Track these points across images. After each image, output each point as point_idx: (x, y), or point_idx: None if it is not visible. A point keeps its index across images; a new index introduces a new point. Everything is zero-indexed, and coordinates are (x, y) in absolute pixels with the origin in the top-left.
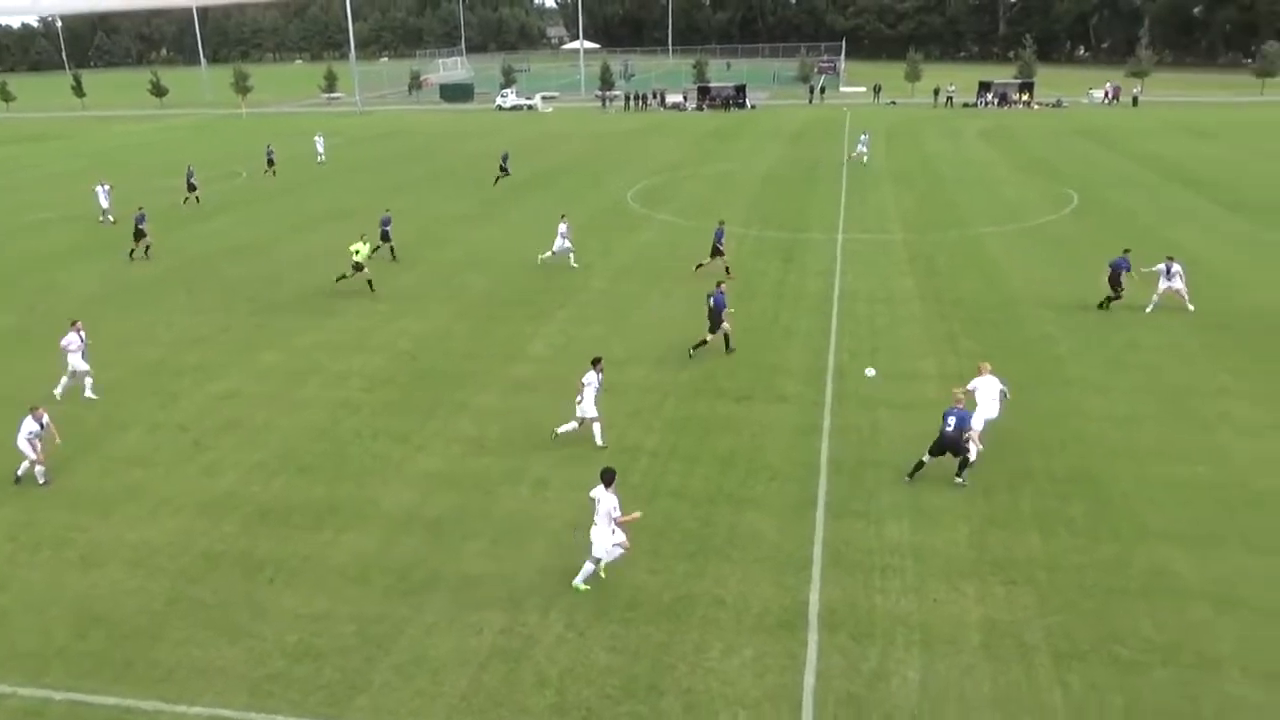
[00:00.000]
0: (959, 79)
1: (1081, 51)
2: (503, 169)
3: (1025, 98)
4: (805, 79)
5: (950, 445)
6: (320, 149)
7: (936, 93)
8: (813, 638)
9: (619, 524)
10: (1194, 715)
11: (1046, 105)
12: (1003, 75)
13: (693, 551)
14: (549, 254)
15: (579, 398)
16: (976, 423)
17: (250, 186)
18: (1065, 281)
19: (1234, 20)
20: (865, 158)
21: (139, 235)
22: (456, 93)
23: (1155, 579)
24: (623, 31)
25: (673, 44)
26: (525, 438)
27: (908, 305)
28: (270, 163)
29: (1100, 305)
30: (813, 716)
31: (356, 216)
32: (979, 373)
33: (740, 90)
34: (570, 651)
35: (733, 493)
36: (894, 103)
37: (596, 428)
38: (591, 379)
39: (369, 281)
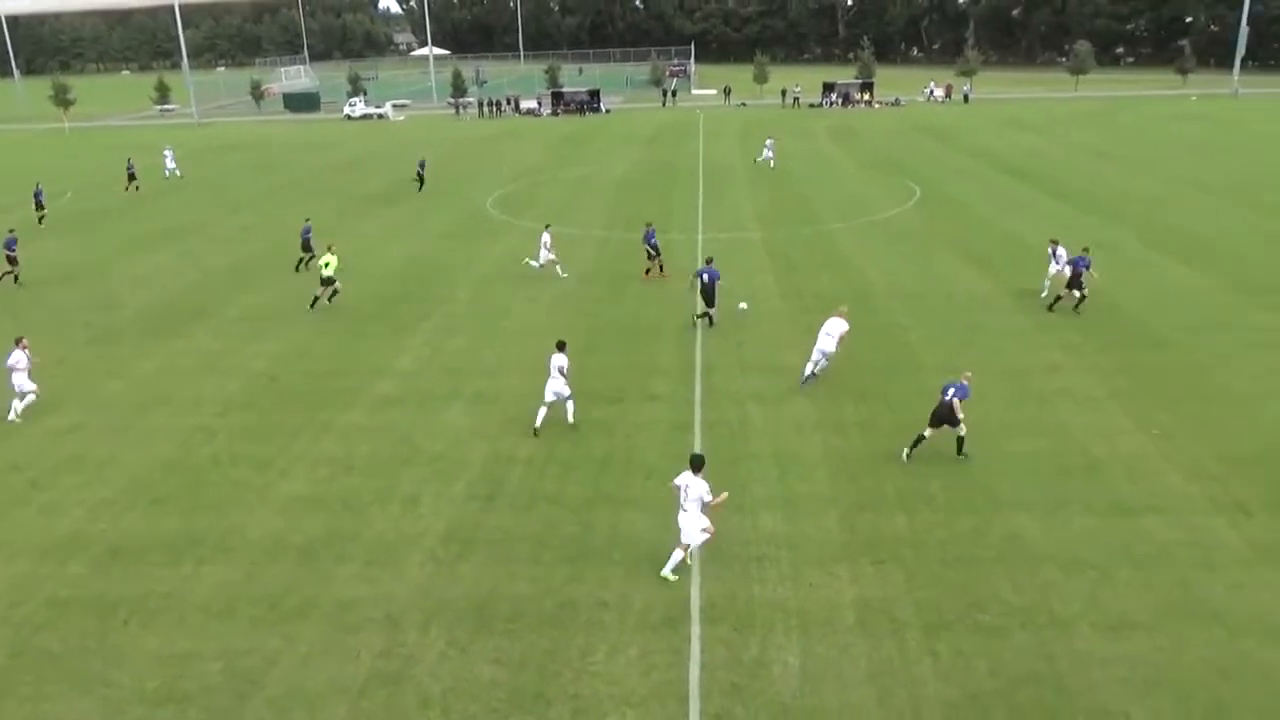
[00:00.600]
0: (804, 80)
1: (915, 52)
2: (419, 176)
3: (866, 97)
4: (658, 83)
5: (945, 417)
6: (170, 163)
7: (784, 94)
8: (695, 632)
9: (712, 508)
10: (1051, 672)
11: (886, 104)
12: (845, 76)
13: (574, 556)
14: (536, 264)
15: (549, 381)
16: (815, 354)
17: (79, 206)
18: (912, 272)
19: (1048, 22)
20: (772, 162)
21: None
22: (302, 102)
23: (1010, 546)
24: (473, 37)
25: (524, 49)
26: (394, 455)
27: (769, 301)
28: (131, 177)
29: (1050, 307)
30: (699, 709)
31: (198, 233)
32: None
33: (594, 95)
34: (453, 668)
35: (611, 494)
36: (744, 104)
37: (570, 405)
38: (560, 360)
39: (333, 293)
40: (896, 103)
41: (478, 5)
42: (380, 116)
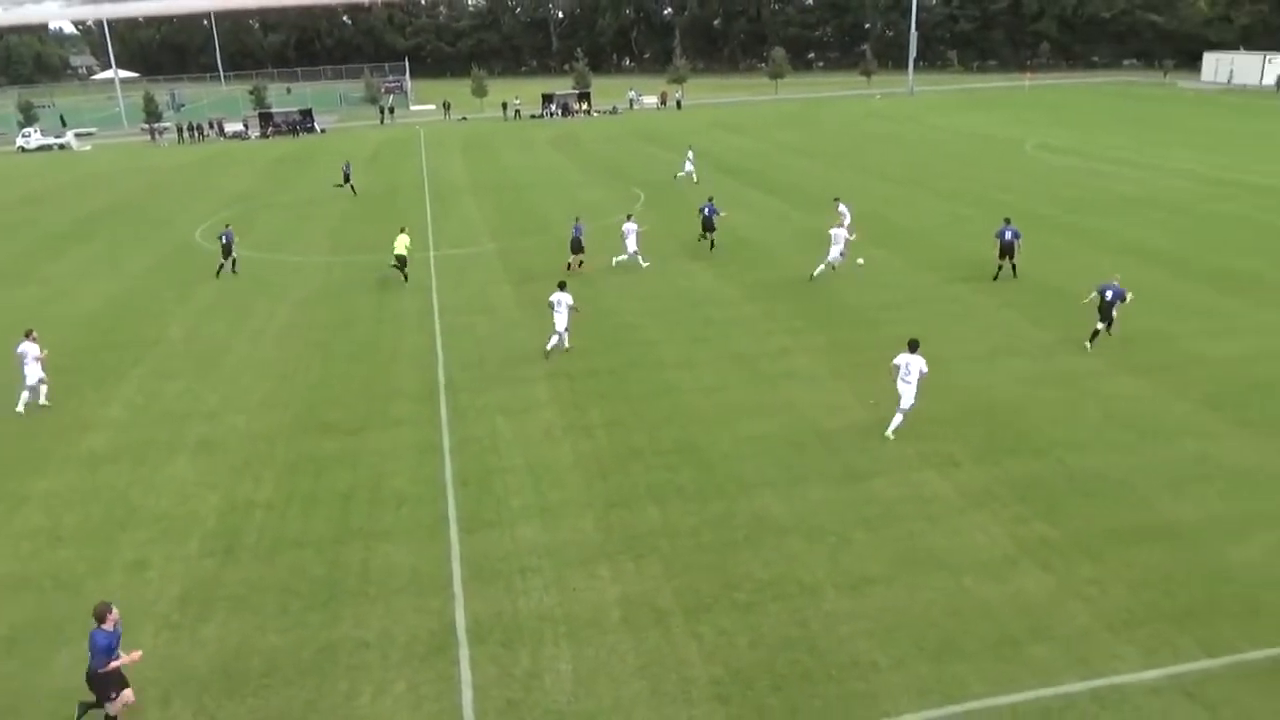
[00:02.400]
0: (523, 92)
1: (627, 62)
2: (346, 180)
3: (585, 107)
4: (374, 100)
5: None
6: None
7: (505, 106)
8: (464, 655)
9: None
10: (805, 636)
11: (604, 112)
12: (562, 87)
13: (326, 599)
14: (623, 257)
15: (556, 318)
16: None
17: None
18: (642, 271)
19: (747, 31)
20: (694, 176)
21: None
22: None
23: (757, 525)
24: (165, 58)
25: (224, 69)
26: (110, 518)
27: (508, 313)
28: None
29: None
30: None
31: None
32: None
33: (307, 114)
34: None
35: (360, 528)
36: (465, 118)
37: (565, 338)
38: (564, 298)
39: (404, 275)
40: (614, 111)
41: (167, 24)
42: (62, 147)
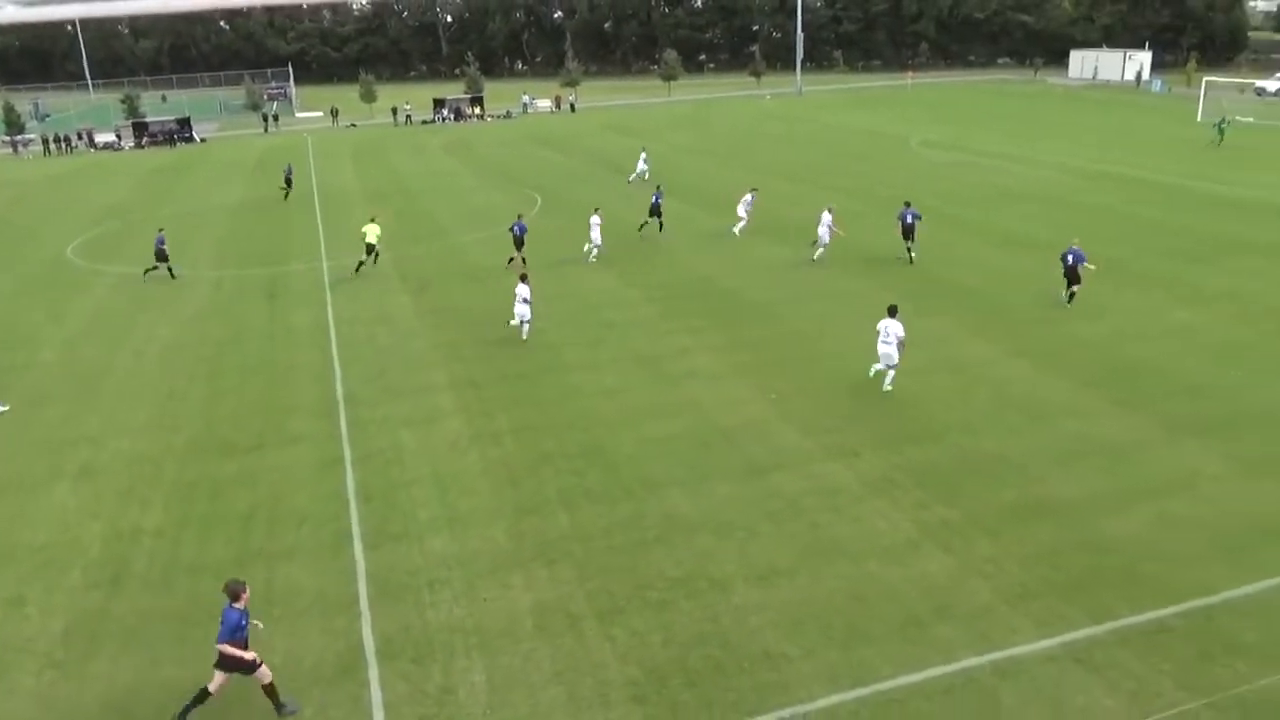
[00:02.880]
0: (414, 97)
1: (520, 66)
2: (287, 182)
3: (478, 111)
4: (256, 107)
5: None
6: None
7: (395, 112)
8: (374, 674)
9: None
10: (717, 631)
11: (498, 117)
12: (454, 91)
13: None
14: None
15: (516, 306)
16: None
17: None
18: (543, 276)
19: (638, 34)
20: (646, 175)
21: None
22: None
23: (667, 524)
24: (25, 66)
25: (92, 77)
26: None
27: (406, 321)
28: None
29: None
30: None
31: None
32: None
33: (185, 123)
34: None
35: (261, 549)
36: (354, 125)
37: (526, 328)
38: (524, 291)
39: (376, 258)
40: (507, 115)
41: (25, 29)
42: None
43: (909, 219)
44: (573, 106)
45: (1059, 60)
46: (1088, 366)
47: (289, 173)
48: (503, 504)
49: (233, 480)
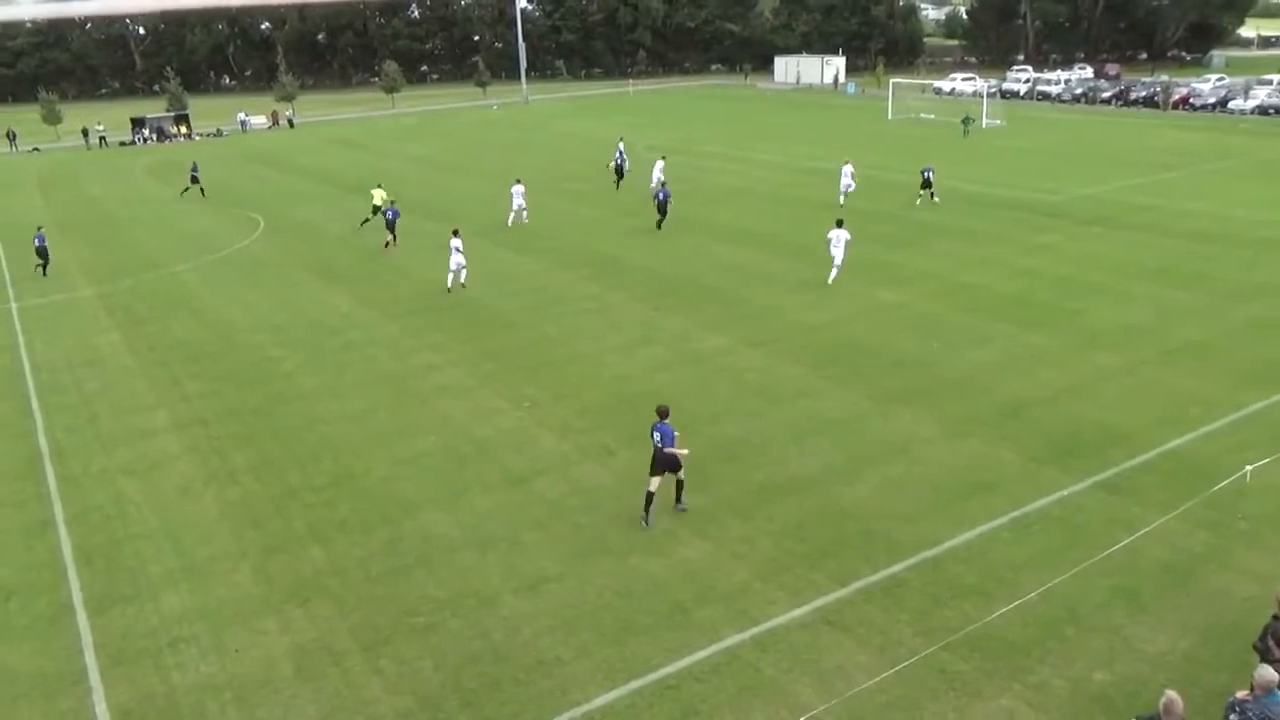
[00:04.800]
0: (107, 117)
1: (228, 81)
2: (194, 179)
3: (184, 130)
4: None
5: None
6: None
7: (86, 133)
8: None
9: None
10: (489, 647)
11: (207, 135)
12: (155, 110)
13: None
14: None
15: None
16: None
17: None
18: (273, 302)
19: (355, 45)
20: (525, 215)
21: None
22: None
23: (427, 545)
24: None
25: None
26: None
27: (118, 360)
28: None
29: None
30: None
31: None
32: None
33: None
34: None
35: None
36: (37, 149)
37: (464, 273)
38: (456, 242)
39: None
40: (218, 133)
41: None
42: None
43: (660, 196)
44: (291, 122)
45: (766, 66)
46: (812, 350)
47: (194, 169)
48: (246, 547)
49: None
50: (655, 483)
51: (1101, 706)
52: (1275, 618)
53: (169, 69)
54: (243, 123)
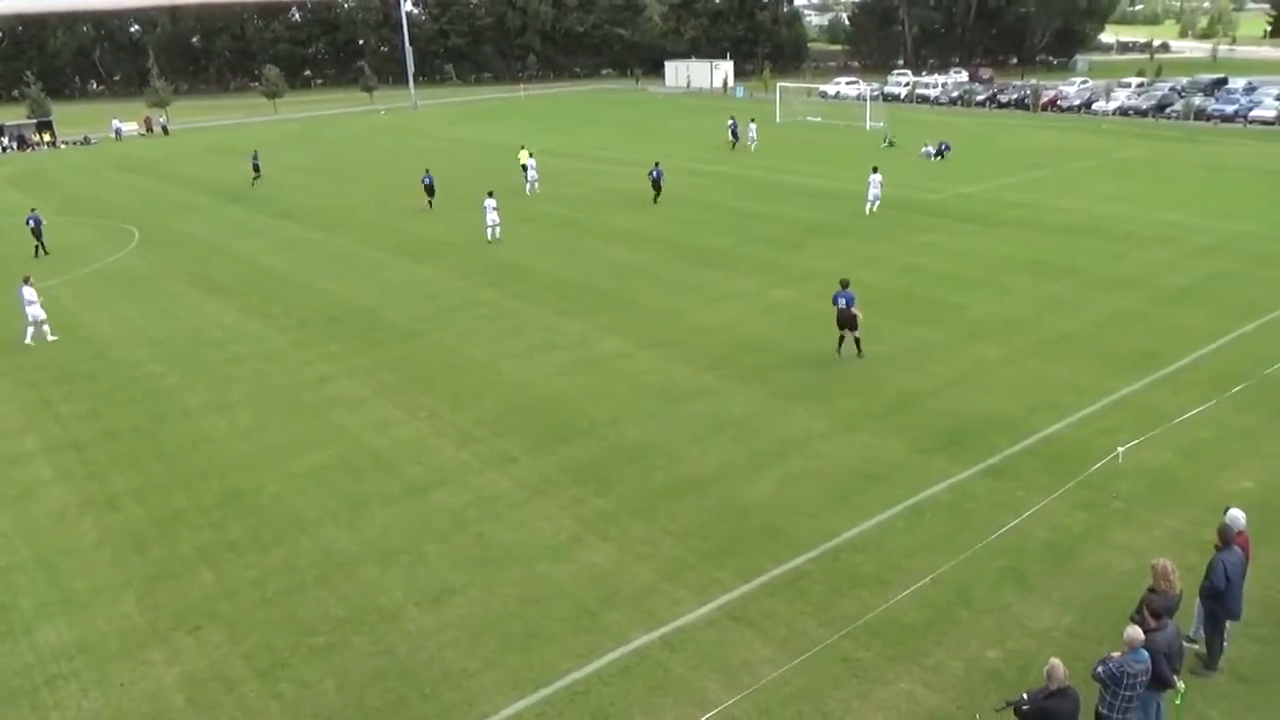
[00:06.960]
0: None
1: (96, 86)
2: (256, 168)
3: (48, 137)
4: None
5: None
6: None
7: None
8: None
9: None
10: (393, 663)
11: (75, 143)
12: (14, 116)
13: None
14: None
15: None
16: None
17: None
18: (152, 316)
19: (232, 49)
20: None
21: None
22: None
23: (325, 562)
24: None
25: None
26: None
27: None
28: None
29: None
30: None
31: None
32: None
33: None
34: None
35: None
36: None
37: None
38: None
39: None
40: (86, 141)
41: None
42: None
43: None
44: (165, 129)
45: (656, 70)
46: (709, 350)
47: (255, 158)
48: (129, 575)
49: None
50: (839, 336)
51: (995, 683)
52: (1150, 590)
53: (29, 73)
54: (118, 130)
